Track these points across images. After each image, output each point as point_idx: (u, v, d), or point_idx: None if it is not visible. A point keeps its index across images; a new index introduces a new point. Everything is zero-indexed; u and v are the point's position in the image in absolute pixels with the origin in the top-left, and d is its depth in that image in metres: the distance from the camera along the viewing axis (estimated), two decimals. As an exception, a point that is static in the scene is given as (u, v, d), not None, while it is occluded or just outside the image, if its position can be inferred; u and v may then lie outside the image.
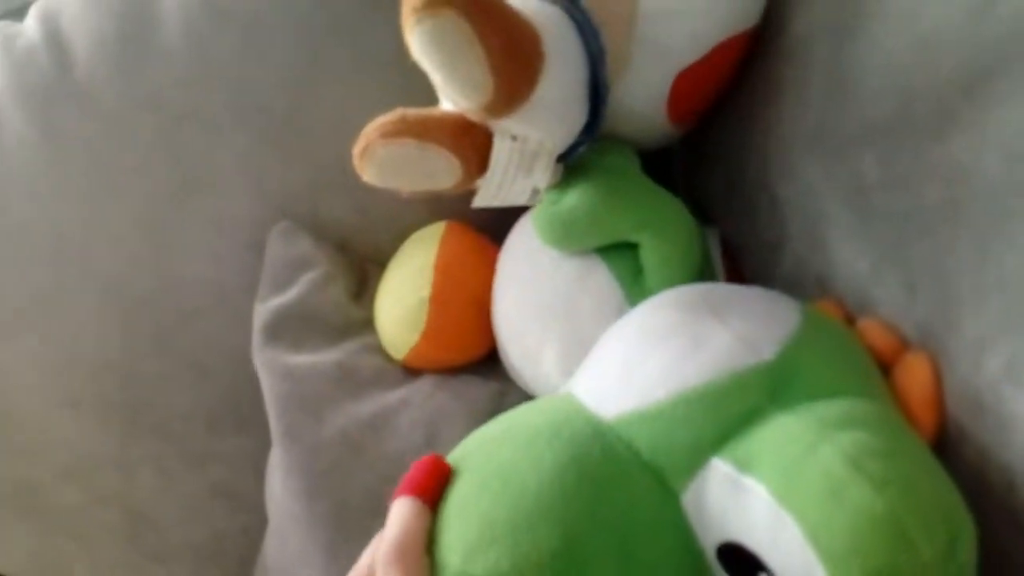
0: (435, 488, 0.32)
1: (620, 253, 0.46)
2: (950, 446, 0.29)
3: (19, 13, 0.67)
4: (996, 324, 0.30)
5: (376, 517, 0.34)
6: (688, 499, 0.31)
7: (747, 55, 0.48)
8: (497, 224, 0.55)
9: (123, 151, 0.61)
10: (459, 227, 0.60)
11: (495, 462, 0.32)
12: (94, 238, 0.63)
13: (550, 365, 0.48)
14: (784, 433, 0.29)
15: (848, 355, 0.36)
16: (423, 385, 0.55)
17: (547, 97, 0.39)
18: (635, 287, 0.46)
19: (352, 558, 0.33)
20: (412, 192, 0.41)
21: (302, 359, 0.55)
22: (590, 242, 0.46)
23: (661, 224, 0.45)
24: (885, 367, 0.35)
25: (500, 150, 0.40)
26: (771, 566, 0.27)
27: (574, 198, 0.45)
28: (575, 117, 0.43)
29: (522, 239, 0.53)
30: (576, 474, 0.31)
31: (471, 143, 0.40)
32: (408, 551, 0.30)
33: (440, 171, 0.40)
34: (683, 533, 0.31)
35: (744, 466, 0.29)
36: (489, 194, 0.42)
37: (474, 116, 0.39)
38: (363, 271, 0.65)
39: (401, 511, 0.31)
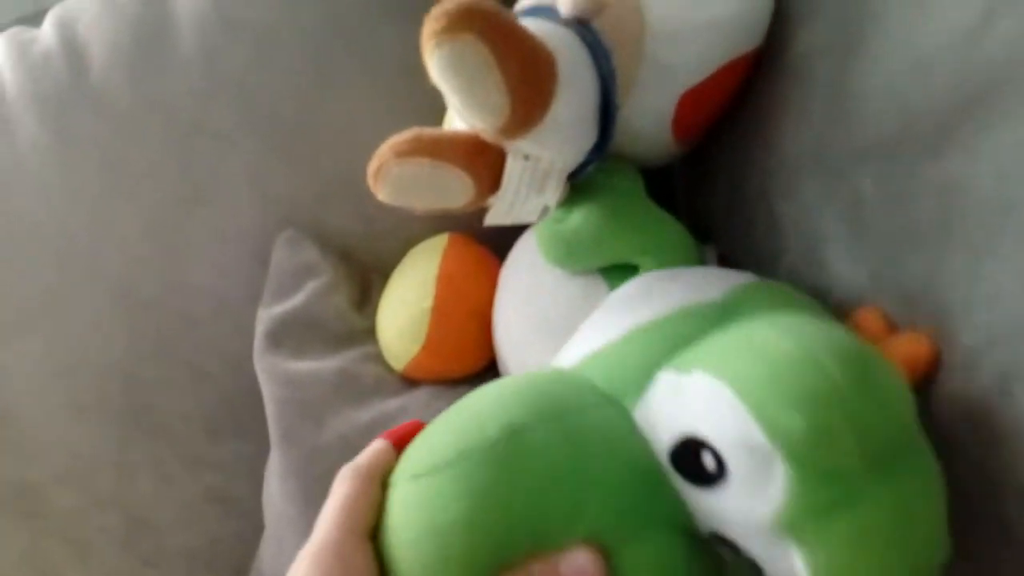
0: (405, 435, 0.34)
1: (622, 273, 0.46)
2: (943, 458, 0.29)
3: (35, 19, 0.67)
4: (987, 338, 0.31)
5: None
6: (639, 414, 0.32)
7: (750, 74, 0.49)
8: (500, 237, 0.56)
9: (134, 157, 0.62)
10: (462, 239, 0.61)
11: (458, 404, 0.33)
12: (102, 241, 0.63)
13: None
14: (723, 334, 0.30)
15: (803, 307, 0.37)
16: (421, 395, 0.56)
17: (560, 118, 0.40)
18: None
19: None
20: (425, 210, 0.42)
21: (303, 365, 0.55)
22: (592, 263, 0.47)
23: (662, 249, 0.46)
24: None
25: (513, 170, 0.41)
26: (714, 443, 0.27)
27: (578, 219, 0.45)
28: (586, 137, 0.44)
29: (525, 254, 0.53)
30: (529, 388, 0.33)
31: (484, 162, 0.40)
32: (362, 470, 0.32)
33: (453, 190, 0.40)
34: (637, 447, 0.31)
35: (685, 368, 0.30)
36: (501, 212, 0.43)
37: (488, 137, 0.39)
38: (367, 281, 0.66)
39: (369, 447, 0.33)
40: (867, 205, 0.38)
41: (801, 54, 0.45)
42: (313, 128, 0.62)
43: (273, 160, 0.62)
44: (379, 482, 0.32)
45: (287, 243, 0.62)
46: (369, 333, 0.60)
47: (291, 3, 0.60)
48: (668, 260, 0.45)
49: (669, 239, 0.47)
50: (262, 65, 0.61)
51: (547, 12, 0.43)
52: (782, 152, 0.46)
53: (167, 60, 0.61)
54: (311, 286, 0.59)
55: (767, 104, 0.48)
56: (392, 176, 0.39)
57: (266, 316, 0.58)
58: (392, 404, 0.54)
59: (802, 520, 0.25)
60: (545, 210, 0.44)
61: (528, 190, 0.42)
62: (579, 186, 0.47)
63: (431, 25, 0.33)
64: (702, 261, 0.49)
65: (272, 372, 0.55)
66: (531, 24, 0.40)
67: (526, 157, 0.41)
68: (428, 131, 0.39)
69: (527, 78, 0.36)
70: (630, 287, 0.43)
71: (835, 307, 0.40)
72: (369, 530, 0.30)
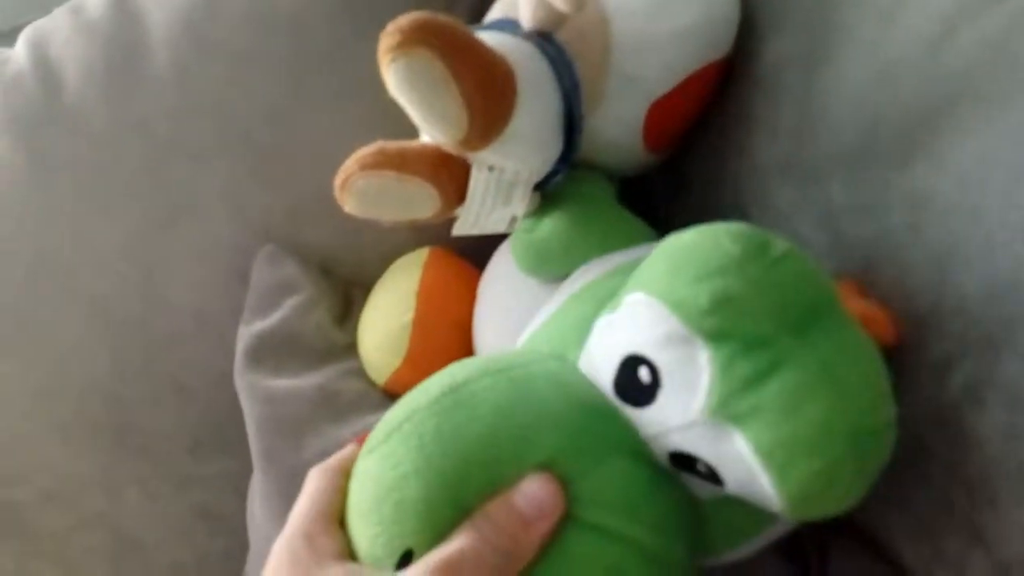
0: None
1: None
2: (916, 463, 0.29)
3: (8, 38, 0.67)
4: (956, 346, 0.31)
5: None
6: (583, 363, 0.32)
7: (721, 82, 0.49)
8: (480, 250, 0.56)
9: (110, 177, 0.62)
10: (442, 253, 0.61)
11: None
12: (80, 262, 0.63)
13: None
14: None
15: None
16: (403, 409, 0.55)
17: (521, 130, 0.40)
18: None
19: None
20: (392, 221, 0.42)
21: (283, 383, 0.55)
22: (563, 270, 0.47)
23: None
24: None
25: (477, 181, 0.41)
26: (645, 352, 0.28)
27: (548, 227, 0.45)
28: (551, 147, 0.44)
29: (502, 265, 0.53)
30: (473, 359, 0.34)
31: (449, 174, 0.40)
32: (330, 466, 0.33)
33: (419, 201, 0.41)
34: (584, 387, 0.31)
35: (614, 306, 0.30)
36: (468, 223, 0.43)
37: (451, 149, 0.40)
38: (348, 295, 0.65)
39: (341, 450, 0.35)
40: (839, 213, 0.38)
41: (771, 63, 0.45)
42: (289, 145, 0.62)
43: (249, 178, 0.62)
44: (347, 475, 0.32)
45: (267, 259, 0.62)
46: (351, 348, 0.60)
47: (263, 23, 0.60)
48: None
49: (638, 244, 0.47)
50: (236, 84, 0.61)
51: (510, 26, 0.43)
52: (754, 161, 0.46)
53: (141, 79, 0.61)
54: (291, 302, 0.59)
55: (739, 113, 0.48)
56: (358, 188, 0.39)
57: (246, 333, 0.58)
58: (372, 419, 0.53)
59: (734, 398, 0.25)
60: (513, 220, 0.44)
61: (494, 201, 0.42)
62: (550, 195, 0.47)
63: (386, 40, 0.33)
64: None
65: (252, 390, 0.55)
66: (490, 38, 0.40)
67: (490, 168, 0.41)
68: (392, 144, 0.39)
69: (485, 90, 0.36)
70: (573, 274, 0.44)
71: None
72: (338, 515, 0.31)
